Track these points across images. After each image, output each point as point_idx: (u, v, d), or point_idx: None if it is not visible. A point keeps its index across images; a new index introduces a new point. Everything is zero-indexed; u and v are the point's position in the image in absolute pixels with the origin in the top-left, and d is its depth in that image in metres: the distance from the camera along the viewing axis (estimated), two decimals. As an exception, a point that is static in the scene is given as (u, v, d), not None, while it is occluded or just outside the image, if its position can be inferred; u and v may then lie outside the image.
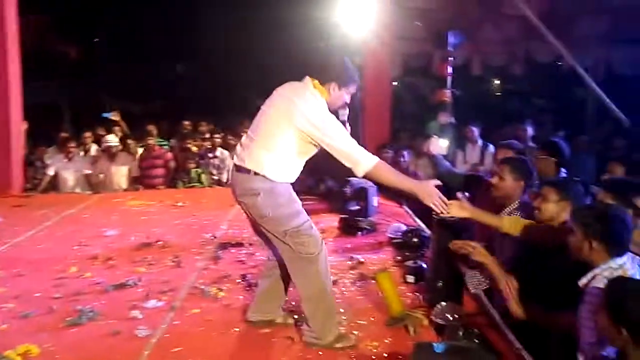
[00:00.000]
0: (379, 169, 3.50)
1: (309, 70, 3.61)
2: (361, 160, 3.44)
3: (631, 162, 4.64)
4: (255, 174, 3.43)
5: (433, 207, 3.53)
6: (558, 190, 3.51)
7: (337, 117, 3.65)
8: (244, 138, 3.66)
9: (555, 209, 3.47)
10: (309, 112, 3.41)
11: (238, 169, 3.53)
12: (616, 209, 2.90)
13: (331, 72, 3.57)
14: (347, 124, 3.74)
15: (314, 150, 3.55)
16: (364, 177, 3.58)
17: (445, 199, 3.53)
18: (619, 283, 2.41)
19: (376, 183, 3.73)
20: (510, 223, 3.64)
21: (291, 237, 3.45)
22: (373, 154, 3.61)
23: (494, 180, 4.03)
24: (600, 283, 2.60)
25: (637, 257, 2.85)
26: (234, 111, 15.07)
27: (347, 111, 3.72)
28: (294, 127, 3.41)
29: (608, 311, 2.33)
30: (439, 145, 5.25)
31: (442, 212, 3.56)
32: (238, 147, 3.66)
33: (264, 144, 3.45)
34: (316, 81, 3.55)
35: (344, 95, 3.62)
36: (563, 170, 4.76)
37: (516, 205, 3.94)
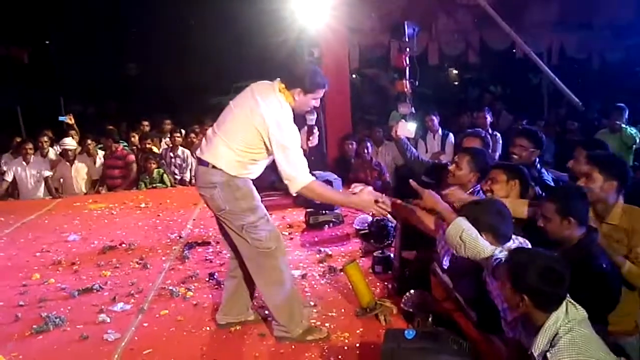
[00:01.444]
0: (312, 188, 3.45)
1: (280, 71, 3.59)
2: (297, 177, 3.40)
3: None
4: (214, 167, 3.45)
5: (375, 213, 3.57)
6: (506, 172, 3.62)
7: (305, 122, 3.69)
8: (209, 131, 3.65)
9: (504, 189, 3.57)
10: (268, 114, 3.38)
11: (200, 161, 3.55)
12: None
13: (296, 78, 3.52)
14: (315, 128, 3.77)
15: (267, 155, 3.52)
16: (298, 194, 3.52)
17: (386, 201, 3.54)
18: (519, 255, 2.57)
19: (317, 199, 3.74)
20: None
21: (247, 231, 3.48)
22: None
23: (452, 167, 4.08)
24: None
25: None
26: (191, 110, 14.95)
27: (314, 116, 3.73)
28: (252, 126, 3.40)
29: (510, 281, 2.49)
30: (407, 128, 5.26)
31: (384, 215, 3.68)
32: (203, 140, 3.68)
33: (225, 140, 3.45)
34: (283, 85, 3.52)
35: (310, 101, 3.57)
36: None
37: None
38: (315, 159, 5.95)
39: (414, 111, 7.23)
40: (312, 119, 3.72)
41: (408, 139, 5.31)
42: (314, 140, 3.85)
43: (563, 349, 2.33)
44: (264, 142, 3.42)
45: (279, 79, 3.56)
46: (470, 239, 2.88)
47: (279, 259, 3.57)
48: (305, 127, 3.80)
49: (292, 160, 3.40)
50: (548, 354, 2.35)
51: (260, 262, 3.55)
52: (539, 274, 2.41)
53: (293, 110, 3.53)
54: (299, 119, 3.63)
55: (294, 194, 3.56)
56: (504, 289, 2.55)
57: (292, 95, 3.51)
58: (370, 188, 3.59)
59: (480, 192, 3.84)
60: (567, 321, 2.40)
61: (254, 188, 3.58)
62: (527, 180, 3.70)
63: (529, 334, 2.55)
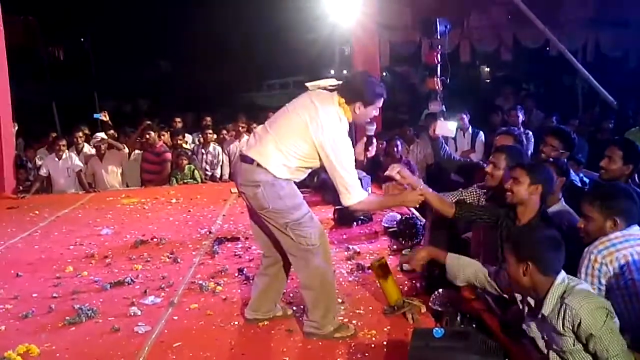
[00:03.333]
0: (365, 202, 3.56)
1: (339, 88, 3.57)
2: (352, 194, 3.46)
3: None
4: (259, 165, 3.42)
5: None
6: (530, 174, 3.51)
7: (365, 132, 3.71)
8: (259, 128, 3.64)
9: (527, 191, 3.49)
10: (327, 127, 3.39)
11: (243, 158, 3.51)
12: (625, 186, 3.29)
13: (355, 92, 3.51)
14: (374, 139, 3.77)
15: (317, 164, 3.53)
16: (348, 207, 3.62)
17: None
18: (517, 229, 3.09)
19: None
20: None
21: (292, 229, 3.46)
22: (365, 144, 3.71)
23: (489, 168, 4.03)
24: None
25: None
26: (223, 107, 15.07)
27: (374, 126, 3.72)
28: (309, 135, 3.40)
29: (513, 254, 2.74)
30: (448, 127, 5.21)
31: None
32: (251, 136, 3.66)
33: (277, 142, 3.43)
34: (342, 100, 3.50)
35: (371, 112, 3.58)
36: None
37: None
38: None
39: (444, 109, 7.19)
40: (371, 129, 3.70)
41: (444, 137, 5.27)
42: (372, 151, 3.82)
43: (580, 291, 2.60)
44: (318, 154, 3.43)
45: (336, 92, 3.53)
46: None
47: (322, 256, 3.56)
48: (364, 139, 3.78)
49: (347, 178, 3.44)
50: (566, 300, 2.58)
51: (305, 258, 3.54)
52: (539, 240, 2.71)
53: (351, 124, 3.54)
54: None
55: (345, 206, 3.61)
56: (510, 266, 2.76)
57: (351, 110, 3.50)
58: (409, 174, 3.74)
59: None
60: (573, 280, 2.70)
61: (296, 187, 3.58)
62: (551, 186, 3.60)
63: (534, 313, 2.77)
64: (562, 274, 2.68)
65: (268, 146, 3.44)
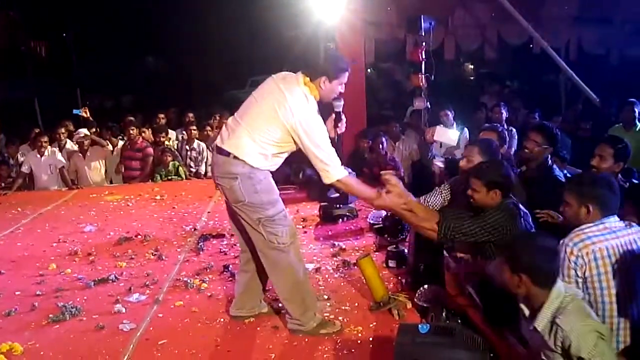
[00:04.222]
0: (345, 182, 3.53)
1: (300, 65, 3.58)
2: (331, 171, 3.45)
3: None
4: (235, 157, 3.42)
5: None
6: (485, 183, 3.53)
7: (333, 109, 3.69)
8: (230, 120, 3.62)
9: (487, 197, 3.52)
10: (297, 108, 3.38)
11: (219, 150, 3.50)
12: (606, 177, 3.23)
13: (318, 67, 3.52)
14: (343, 115, 3.74)
15: (293, 148, 3.53)
16: (330, 185, 3.59)
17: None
18: (514, 238, 2.87)
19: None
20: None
21: (264, 225, 3.47)
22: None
23: (462, 162, 4.07)
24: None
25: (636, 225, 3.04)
26: (207, 103, 14.98)
27: (341, 102, 3.70)
28: (280, 120, 3.39)
29: (508, 265, 2.65)
30: (449, 136, 5.21)
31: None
32: (223, 129, 3.64)
33: (249, 131, 3.43)
34: (307, 78, 3.51)
35: (336, 87, 3.58)
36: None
37: None
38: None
39: (429, 105, 7.21)
40: (339, 105, 3.69)
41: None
42: (342, 128, 3.79)
43: (572, 312, 2.51)
44: (292, 137, 3.43)
45: (300, 72, 3.54)
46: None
47: (293, 255, 3.57)
48: (332, 115, 3.76)
49: (324, 156, 3.43)
50: (557, 320, 2.50)
51: (275, 257, 3.54)
52: (535, 253, 2.59)
53: (319, 101, 3.53)
54: (323, 107, 3.63)
55: (327, 184, 3.58)
56: (505, 275, 2.68)
57: (317, 87, 3.50)
58: (400, 185, 3.62)
59: None
60: (569, 294, 2.59)
61: (273, 182, 3.58)
62: (509, 186, 3.60)
63: (527, 320, 2.69)
64: (559, 284, 2.60)
65: (242, 138, 3.44)
